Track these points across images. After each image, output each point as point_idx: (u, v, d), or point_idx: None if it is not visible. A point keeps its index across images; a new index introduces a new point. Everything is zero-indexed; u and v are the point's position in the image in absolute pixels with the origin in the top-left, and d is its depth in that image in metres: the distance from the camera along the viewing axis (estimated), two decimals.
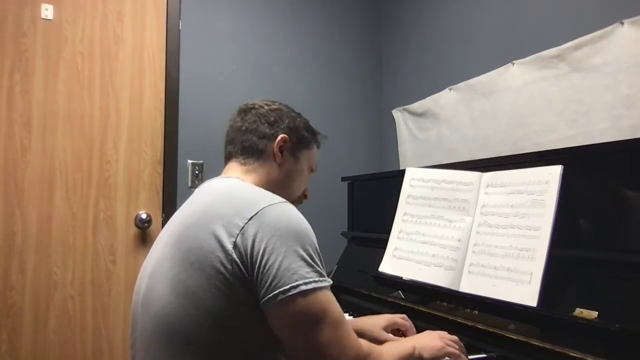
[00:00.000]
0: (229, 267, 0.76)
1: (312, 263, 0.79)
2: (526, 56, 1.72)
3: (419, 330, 1.24)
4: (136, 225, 2.06)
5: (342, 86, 2.52)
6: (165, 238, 0.89)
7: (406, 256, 1.40)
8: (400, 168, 2.34)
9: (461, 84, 2.03)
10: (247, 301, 0.77)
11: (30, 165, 1.92)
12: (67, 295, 1.94)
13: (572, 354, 0.89)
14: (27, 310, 1.87)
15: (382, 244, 1.49)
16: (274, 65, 2.36)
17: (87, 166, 2.00)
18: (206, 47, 2.24)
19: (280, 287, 0.75)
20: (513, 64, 1.77)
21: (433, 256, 1.31)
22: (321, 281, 0.78)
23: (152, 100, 2.13)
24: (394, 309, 1.35)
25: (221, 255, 0.77)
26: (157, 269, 0.85)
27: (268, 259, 0.76)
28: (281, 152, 1.01)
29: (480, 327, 1.10)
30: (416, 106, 2.31)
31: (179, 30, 2.18)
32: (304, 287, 0.75)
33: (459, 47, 2.10)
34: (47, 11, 1.96)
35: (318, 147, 1.11)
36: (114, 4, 2.08)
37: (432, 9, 2.29)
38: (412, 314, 1.27)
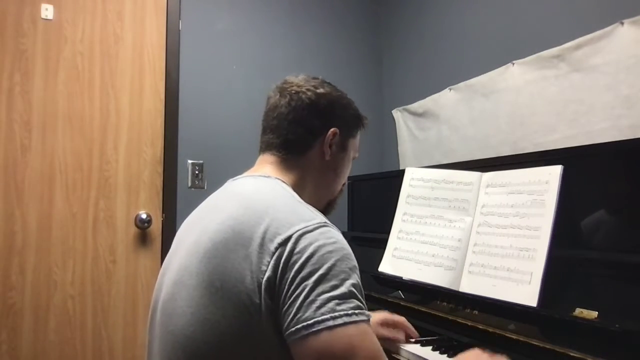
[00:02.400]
0: (257, 301, 0.70)
1: (344, 295, 0.69)
2: (526, 56, 1.72)
3: (418, 330, 1.24)
4: (136, 225, 2.05)
5: (342, 86, 2.48)
6: (190, 245, 0.81)
7: (406, 256, 1.40)
8: (400, 168, 2.34)
9: (461, 84, 2.03)
10: (271, 339, 0.71)
11: (30, 165, 1.92)
12: (67, 295, 1.94)
13: (572, 354, 0.89)
14: (27, 310, 1.87)
15: (382, 244, 1.49)
16: (274, 65, 2.36)
17: (87, 166, 2.00)
18: (206, 47, 2.24)
19: (304, 322, 0.67)
20: (513, 64, 1.77)
21: (433, 256, 1.31)
22: (355, 314, 0.68)
23: (152, 100, 2.13)
24: (394, 308, 1.35)
25: (250, 286, 0.70)
26: (180, 279, 0.79)
27: (295, 289, 0.69)
28: (330, 146, 0.92)
29: (480, 327, 1.10)
30: (416, 106, 2.31)
31: (179, 30, 2.18)
32: (330, 323, 0.66)
33: (459, 47, 2.10)
34: (47, 11, 1.96)
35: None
36: (114, 4, 2.07)
37: (432, 9, 2.29)
38: (412, 314, 1.27)
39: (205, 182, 2.18)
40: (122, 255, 2.04)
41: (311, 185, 0.93)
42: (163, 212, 2.11)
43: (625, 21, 1.39)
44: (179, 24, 2.18)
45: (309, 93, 0.91)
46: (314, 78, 0.96)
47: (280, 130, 0.91)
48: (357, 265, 0.74)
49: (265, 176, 0.88)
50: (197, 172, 2.17)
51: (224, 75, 2.27)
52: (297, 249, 0.71)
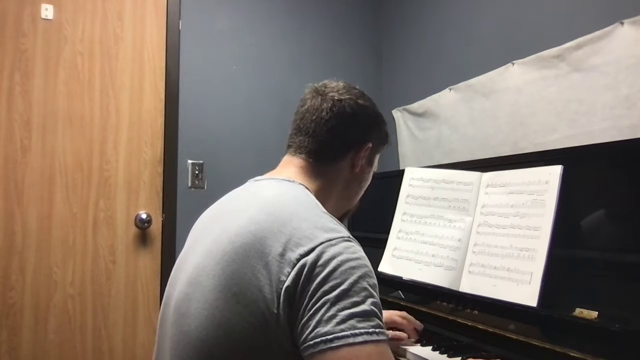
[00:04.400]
0: (275, 310, 0.69)
1: (365, 313, 0.68)
2: (526, 56, 1.71)
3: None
4: (136, 225, 2.05)
5: None
6: (208, 244, 0.80)
7: (406, 256, 1.40)
8: (400, 168, 2.33)
9: (461, 84, 2.03)
10: (285, 350, 0.71)
11: (30, 165, 1.92)
12: (67, 295, 1.94)
13: (572, 354, 0.89)
14: (27, 310, 1.87)
15: (382, 244, 1.49)
16: (274, 65, 2.36)
17: (87, 166, 2.00)
18: (206, 47, 2.24)
19: (323, 336, 0.66)
20: (513, 64, 1.77)
21: (433, 256, 1.31)
22: (376, 333, 0.67)
23: (152, 100, 2.13)
24: (394, 309, 1.35)
25: (268, 295, 0.69)
26: (196, 279, 0.78)
27: (316, 302, 0.68)
28: (362, 159, 0.93)
29: (480, 327, 1.10)
30: (416, 106, 2.31)
31: (179, 30, 2.18)
32: (351, 340, 0.65)
33: (459, 47, 2.10)
34: (47, 11, 1.96)
35: None
36: (114, 4, 2.08)
37: (432, 9, 2.29)
38: (412, 314, 1.27)
39: (205, 182, 2.18)
40: (122, 255, 2.04)
41: (335, 195, 0.92)
42: (163, 212, 2.11)
43: (625, 21, 1.39)
44: (179, 23, 2.18)
45: (351, 102, 0.91)
46: (354, 87, 0.95)
47: (317, 135, 0.89)
48: (377, 283, 0.73)
49: (289, 180, 0.86)
50: (197, 172, 2.17)
51: (224, 75, 2.27)
52: (320, 262, 0.69)
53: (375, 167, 1.03)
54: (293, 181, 0.86)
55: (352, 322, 0.66)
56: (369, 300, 0.69)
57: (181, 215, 2.10)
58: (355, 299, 0.68)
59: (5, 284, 1.85)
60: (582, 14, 1.56)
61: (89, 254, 1.98)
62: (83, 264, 1.97)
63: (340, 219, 0.98)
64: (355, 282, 0.69)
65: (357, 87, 0.96)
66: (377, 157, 1.01)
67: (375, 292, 0.72)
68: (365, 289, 0.69)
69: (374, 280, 0.72)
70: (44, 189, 1.93)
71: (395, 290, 1.41)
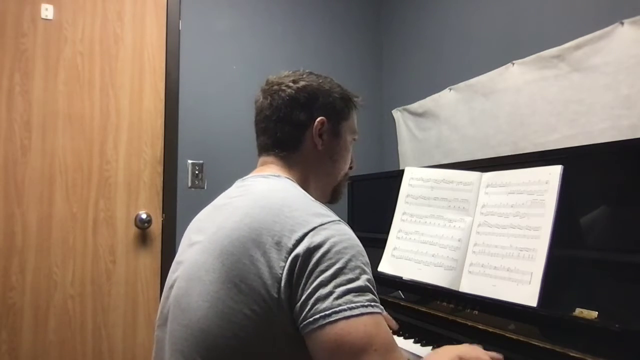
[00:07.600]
0: (275, 295, 0.71)
1: (360, 288, 0.71)
2: (526, 56, 1.72)
3: (417, 329, 1.24)
4: (136, 225, 2.05)
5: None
6: (205, 242, 0.82)
7: (405, 256, 1.40)
8: (400, 168, 2.33)
9: (461, 84, 2.03)
10: (287, 333, 0.73)
11: (30, 165, 1.92)
12: (67, 295, 1.94)
13: (572, 354, 0.89)
14: (27, 310, 1.87)
15: (382, 244, 1.49)
16: (274, 65, 2.35)
17: (87, 166, 2.00)
18: (206, 47, 2.24)
19: (322, 312, 0.69)
20: (513, 64, 1.77)
21: (433, 256, 1.31)
22: (371, 306, 0.71)
23: (152, 100, 2.13)
24: (394, 308, 1.35)
25: (268, 281, 0.72)
26: (195, 275, 0.80)
27: (313, 282, 0.71)
28: (320, 136, 0.92)
29: (480, 327, 1.10)
30: (416, 106, 2.31)
31: (179, 30, 2.18)
32: (348, 313, 0.68)
33: (459, 47, 2.10)
34: (47, 11, 1.96)
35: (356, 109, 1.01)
36: (114, 4, 2.08)
37: (432, 9, 2.29)
38: (412, 314, 1.28)
39: (205, 182, 2.18)
40: (122, 255, 2.04)
41: (313, 177, 0.95)
42: (163, 212, 2.11)
43: (625, 21, 1.40)
44: (179, 24, 2.18)
45: (287, 90, 0.92)
46: (294, 72, 0.97)
47: (269, 131, 0.93)
48: (369, 261, 0.77)
49: (275, 175, 0.90)
50: (197, 172, 2.17)
51: (224, 75, 2.27)
52: (314, 245, 0.73)
53: (352, 135, 0.99)
54: (279, 175, 0.90)
55: (348, 297, 0.70)
56: (363, 277, 0.73)
57: (181, 215, 2.10)
58: (350, 276, 0.71)
59: (5, 284, 1.85)
60: (582, 14, 1.56)
61: (88, 254, 1.98)
62: (83, 264, 1.97)
63: (332, 197, 1.01)
64: (349, 260, 0.73)
65: (300, 68, 0.97)
66: (347, 124, 0.98)
67: (368, 269, 0.75)
68: (358, 266, 0.73)
69: (366, 259, 0.76)
70: (44, 189, 1.93)
71: (395, 290, 1.41)
